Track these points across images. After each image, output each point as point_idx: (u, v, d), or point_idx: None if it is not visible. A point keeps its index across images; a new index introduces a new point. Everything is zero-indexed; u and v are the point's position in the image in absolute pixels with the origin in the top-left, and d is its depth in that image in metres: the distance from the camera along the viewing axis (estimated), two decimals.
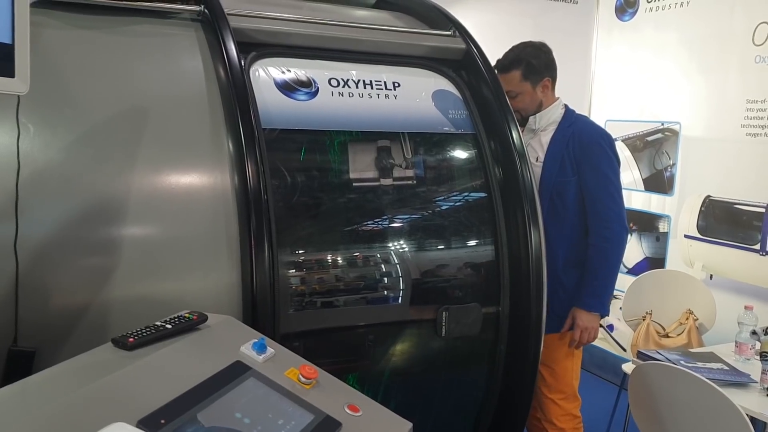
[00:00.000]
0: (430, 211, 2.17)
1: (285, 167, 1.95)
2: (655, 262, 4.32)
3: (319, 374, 1.37)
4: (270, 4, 2.26)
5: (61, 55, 1.78)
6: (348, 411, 1.33)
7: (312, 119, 2.04)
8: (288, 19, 2.17)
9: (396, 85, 2.23)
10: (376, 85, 2.19)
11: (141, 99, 1.80)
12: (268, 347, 1.40)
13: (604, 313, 2.76)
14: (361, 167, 2.07)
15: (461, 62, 2.39)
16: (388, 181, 2.09)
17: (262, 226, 1.75)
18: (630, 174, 4.38)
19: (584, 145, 2.73)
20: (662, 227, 4.30)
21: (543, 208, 2.63)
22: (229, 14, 1.98)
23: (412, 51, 2.33)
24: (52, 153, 1.65)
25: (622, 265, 2.91)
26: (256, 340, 1.39)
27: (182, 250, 1.72)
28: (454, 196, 2.24)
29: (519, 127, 2.82)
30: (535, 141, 2.84)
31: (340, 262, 1.99)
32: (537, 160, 2.79)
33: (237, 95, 1.84)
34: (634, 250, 4.40)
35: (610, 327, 4.49)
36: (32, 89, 1.27)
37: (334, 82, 2.13)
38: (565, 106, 2.89)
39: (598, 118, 4.50)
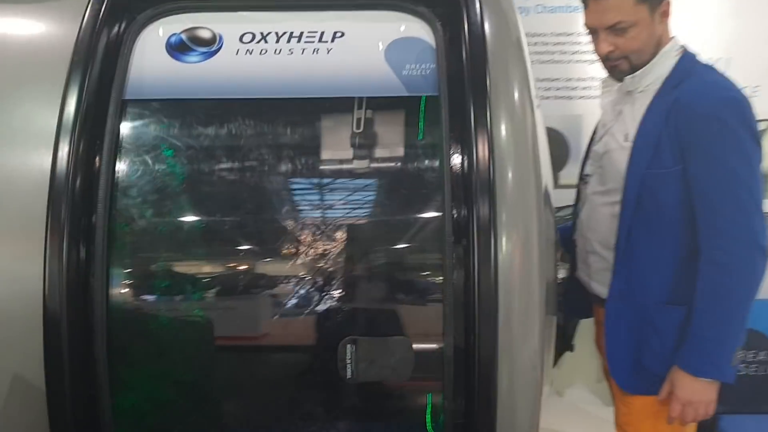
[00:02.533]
0: (345, 204, 1.56)
1: (144, 146, 1.57)
2: None
3: None
4: None
5: None
6: None
7: (195, 85, 1.62)
8: None
9: (337, 35, 1.66)
10: (308, 37, 1.66)
11: None
12: None
13: (721, 378, 1.78)
14: (249, 146, 1.58)
15: None
16: (284, 166, 1.56)
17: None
18: None
19: (696, 119, 1.78)
20: None
21: (626, 212, 1.79)
22: None
23: None
24: None
25: None
26: None
27: None
28: (384, 184, 1.59)
29: (610, 85, 1.98)
30: (628, 108, 1.95)
31: (196, 269, 1.53)
32: (626, 138, 1.91)
33: (83, 60, 1.54)
34: None
35: None
36: None
37: (247, 38, 1.66)
38: (683, 49, 1.93)
39: None
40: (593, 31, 1.87)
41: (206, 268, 1.55)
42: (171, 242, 1.54)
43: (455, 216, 1.44)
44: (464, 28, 1.57)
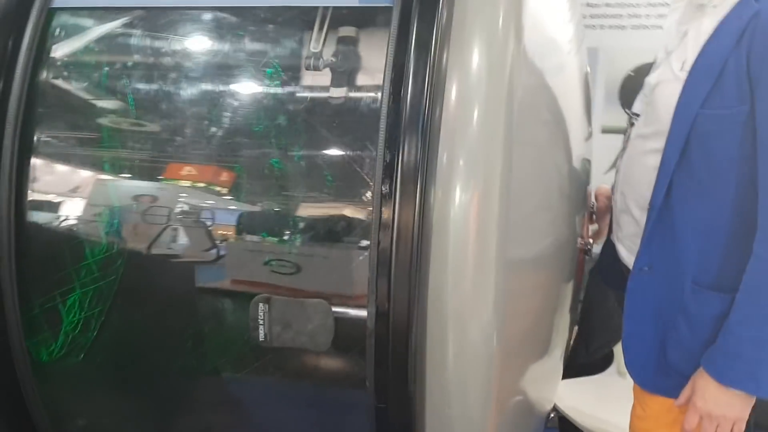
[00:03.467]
0: (263, 139, 1.28)
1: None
2: None
3: None
4: None
5: None
6: None
7: None
8: None
9: None
10: None
11: None
12: None
13: (755, 391, 1.38)
14: (187, 63, 1.34)
15: None
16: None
17: None
18: None
19: None
20: None
21: (667, 162, 1.42)
22: None
23: None
24: None
25: None
26: None
27: None
28: (314, 118, 1.28)
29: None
30: (694, 28, 1.49)
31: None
32: (682, 67, 1.46)
33: None
34: None
35: None
36: None
37: None
38: None
39: None
40: None
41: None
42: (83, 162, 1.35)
43: (387, 159, 1.12)
44: None
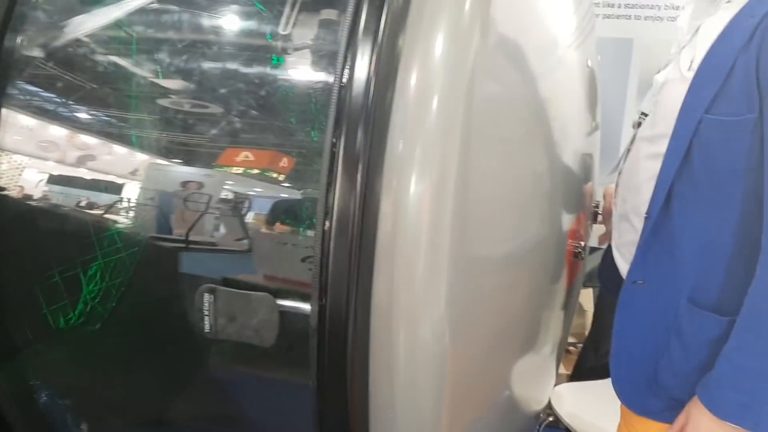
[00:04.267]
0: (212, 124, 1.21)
1: None
2: None
3: None
4: None
5: None
6: None
7: None
8: None
9: None
10: None
11: None
12: None
13: (753, 428, 1.25)
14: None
15: None
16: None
17: None
18: None
19: None
20: None
21: (668, 167, 1.31)
22: None
23: None
24: None
25: None
26: None
27: None
28: (268, 100, 1.20)
29: None
30: (706, 24, 1.36)
31: None
32: (690, 66, 1.34)
33: None
34: None
35: None
36: None
37: None
38: None
39: None
40: None
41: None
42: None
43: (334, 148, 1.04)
44: None
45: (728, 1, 1.30)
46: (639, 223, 1.42)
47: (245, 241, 1.19)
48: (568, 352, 3.10)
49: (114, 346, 1.34)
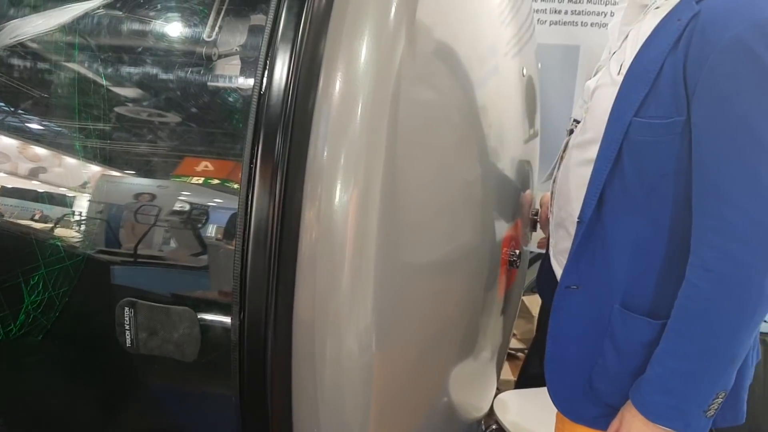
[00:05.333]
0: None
1: None
2: None
3: None
4: None
5: None
6: None
7: None
8: None
9: None
10: None
11: None
12: None
13: (681, 430, 1.25)
14: None
15: None
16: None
17: None
18: None
19: (709, 46, 1.18)
20: None
21: (599, 172, 1.31)
22: None
23: None
24: None
25: None
26: None
27: None
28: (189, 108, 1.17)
29: None
30: (635, 30, 1.37)
31: None
32: (619, 71, 1.34)
33: None
34: None
35: None
36: None
37: None
38: None
39: None
40: None
41: None
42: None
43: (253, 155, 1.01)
44: None
45: (657, 7, 1.31)
46: (574, 230, 1.42)
47: (168, 253, 1.15)
48: (516, 358, 3.10)
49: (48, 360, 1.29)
